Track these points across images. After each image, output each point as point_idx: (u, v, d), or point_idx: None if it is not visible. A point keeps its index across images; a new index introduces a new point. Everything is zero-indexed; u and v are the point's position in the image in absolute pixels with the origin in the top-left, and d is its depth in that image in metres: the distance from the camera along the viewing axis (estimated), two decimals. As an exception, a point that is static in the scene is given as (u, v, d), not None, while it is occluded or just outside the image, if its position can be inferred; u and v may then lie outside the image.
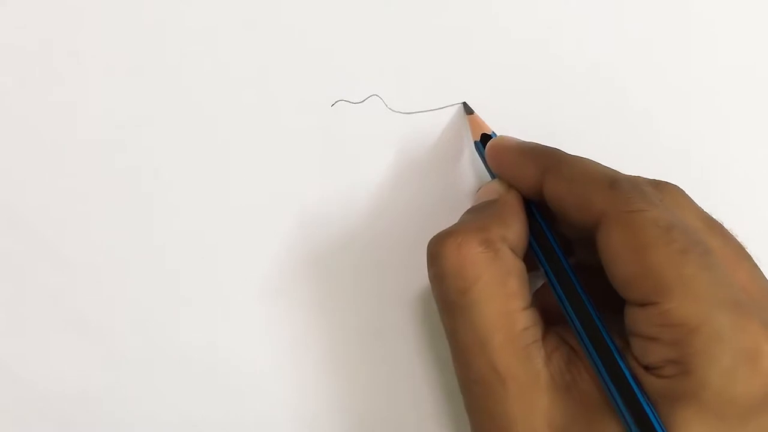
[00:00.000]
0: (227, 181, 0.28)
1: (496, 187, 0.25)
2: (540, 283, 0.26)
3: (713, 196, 0.24)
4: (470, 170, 0.28)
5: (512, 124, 0.27)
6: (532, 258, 0.24)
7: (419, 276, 0.28)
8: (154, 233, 0.27)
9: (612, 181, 0.22)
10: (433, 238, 0.23)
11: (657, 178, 0.24)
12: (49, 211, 0.27)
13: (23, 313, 0.27)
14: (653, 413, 0.20)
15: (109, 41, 0.27)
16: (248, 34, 0.28)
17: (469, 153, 0.28)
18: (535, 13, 0.29)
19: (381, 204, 0.28)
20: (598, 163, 0.23)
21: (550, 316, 0.24)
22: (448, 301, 0.22)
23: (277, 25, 0.28)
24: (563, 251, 0.24)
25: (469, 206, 0.25)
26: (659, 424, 0.20)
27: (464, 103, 0.28)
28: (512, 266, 0.23)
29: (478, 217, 0.24)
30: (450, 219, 0.24)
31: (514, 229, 0.23)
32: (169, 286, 0.27)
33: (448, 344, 0.23)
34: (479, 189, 0.26)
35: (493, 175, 0.26)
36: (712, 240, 0.22)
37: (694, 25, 0.29)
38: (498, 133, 0.27)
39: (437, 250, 0.23)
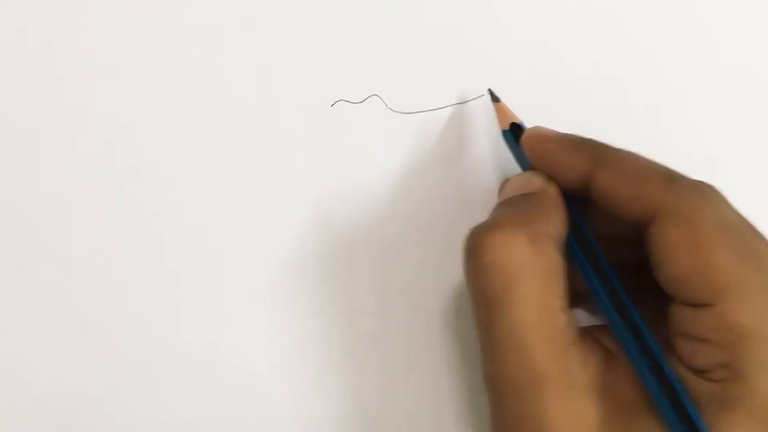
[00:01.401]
0: (227, 181, 0.28)
1: (534, 179, 0.24)
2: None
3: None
4: (471, 167, 0.28)
5: (512, 124, 0.27)
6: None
7: (422, 275, 0.28)
8: (154, 233, 0.27)
9: (669, 176, 0.21)
10: (474, 230, 0.22)
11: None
12: (49, 211, 0.27)
13: (23, 313, 0.27)
14: (700, 418, 0.19)
15: (109, 41, 0.27)
16: (248, 34, 0.28)
17: (470, 149, 0.28)
18: (535, 13, 0.29)
19: (381, 204, 0.28)
20: (647, 158, 0.22)
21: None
22: (487, 296, 0.21)
23: (277, 25, 0.28)
24: (602, 248, 0.23)
25: (482, 201, 0.25)
26: (705, 430, 0.19)
27: (489, 90, 0.27)
28: (555, 263, 0.22)
29: (521, 210, 0.23)
30: (456, 217, 0.24)
31: (556, 225, 0.22)
32: (169, 286, 0.27)
33: (478, 340, 0.22)
34: (507, 180, 0.25)
35: (523, 167, 0.25)
36: (759, 243, 0.21)
37: (694, 25, 0.29)
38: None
39: (480, 241, 0.21)
